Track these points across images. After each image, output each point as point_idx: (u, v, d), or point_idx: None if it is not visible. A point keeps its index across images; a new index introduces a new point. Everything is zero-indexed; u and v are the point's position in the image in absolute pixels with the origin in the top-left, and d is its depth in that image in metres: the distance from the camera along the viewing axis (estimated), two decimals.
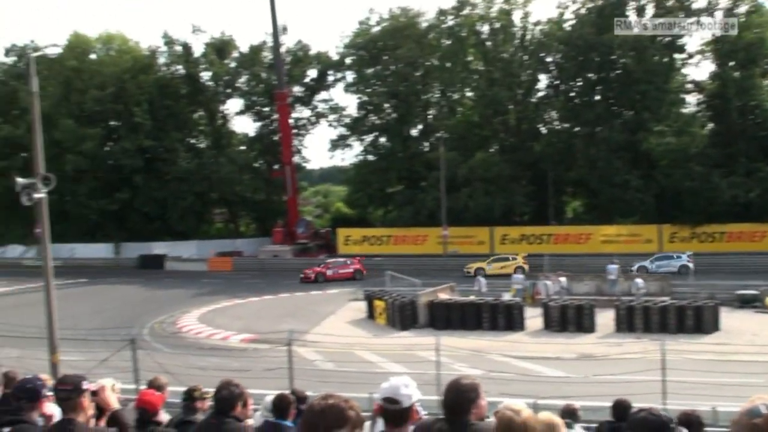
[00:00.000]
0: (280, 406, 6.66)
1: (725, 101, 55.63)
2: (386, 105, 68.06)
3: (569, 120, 61.79)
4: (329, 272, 51.74)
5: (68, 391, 4.78)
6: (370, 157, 69.50)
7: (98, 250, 67.92)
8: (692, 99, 60.84)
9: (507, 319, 29.34)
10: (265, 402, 6.97)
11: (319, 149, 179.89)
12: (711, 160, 54.50)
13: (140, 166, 66.46)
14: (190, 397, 6.95)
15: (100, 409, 5.76)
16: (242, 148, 74.33)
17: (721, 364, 21.41)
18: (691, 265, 46.83)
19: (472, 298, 32.75)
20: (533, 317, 30.26)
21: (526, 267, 49.06)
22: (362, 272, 51.57)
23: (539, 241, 58.21)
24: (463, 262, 52.32)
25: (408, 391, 3.92)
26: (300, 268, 53.24)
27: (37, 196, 18.41)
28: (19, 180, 18.62)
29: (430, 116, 68.79)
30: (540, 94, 64.65)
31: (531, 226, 60.67)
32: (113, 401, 6.00)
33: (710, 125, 59.29)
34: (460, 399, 4.07)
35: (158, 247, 66.36)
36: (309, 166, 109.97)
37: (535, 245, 57.42)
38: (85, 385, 4.89)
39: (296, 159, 71.41)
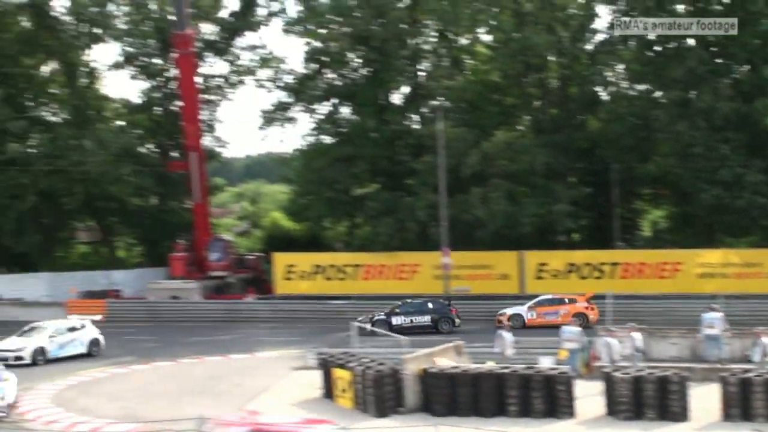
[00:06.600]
0: None
1: None
2: (351, 55, 50.54)
3: (646, 79, 47.09)
4: None
5: None
6: (326, 138, 51.56)
7: None
8: None
9: (547, 399, 22.15)
10: None
11: (244, 127, 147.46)
12: None
13: None
14: None
15: None
16: (121, 123, 54.57)
17: None
18: None
19: (490, 365, 25.52)
20: (589, 396, 22.95)
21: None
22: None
23: (598, 275, 43.75)
24: (477, 306, 40.69)
25: None
26: (216, 314, 42.46)
27: None
28: None
29: (422, 73, 51.35)
30: (598, 37, 48.54)
31: (584, 251, 46.04)
32: None
33: None
34: None
35: None
36: (228, 153, 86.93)
37: (590, 281, 43.16)
38: None
39: (207, 142, 53.49)
